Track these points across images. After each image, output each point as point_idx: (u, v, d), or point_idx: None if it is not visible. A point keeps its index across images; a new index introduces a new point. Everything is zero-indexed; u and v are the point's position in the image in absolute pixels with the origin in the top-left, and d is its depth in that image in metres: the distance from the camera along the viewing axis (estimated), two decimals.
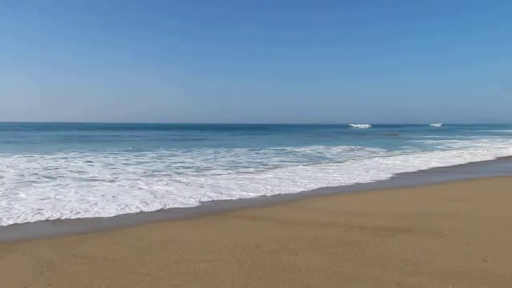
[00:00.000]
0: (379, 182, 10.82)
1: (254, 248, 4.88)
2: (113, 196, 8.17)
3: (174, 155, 18.57)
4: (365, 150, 22.79)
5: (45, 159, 15.62)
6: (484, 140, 35.28)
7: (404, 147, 26.51)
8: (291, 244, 5.02)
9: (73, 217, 6.68)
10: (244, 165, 14.72)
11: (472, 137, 43.67)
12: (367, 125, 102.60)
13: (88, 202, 7.64)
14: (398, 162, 16.20)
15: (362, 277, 3.90)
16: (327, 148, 24.17)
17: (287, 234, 5.50)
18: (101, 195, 8.25)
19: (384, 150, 23.22)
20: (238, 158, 17.59)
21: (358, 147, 25.34)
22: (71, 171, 12.34)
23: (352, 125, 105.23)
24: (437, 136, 45.85)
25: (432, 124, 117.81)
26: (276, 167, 14.15)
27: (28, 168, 12.58)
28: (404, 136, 46.83)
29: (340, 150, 22.41)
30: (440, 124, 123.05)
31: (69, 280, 3.88)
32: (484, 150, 22.14)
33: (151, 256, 4.63)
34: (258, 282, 3.80)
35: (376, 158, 17.91)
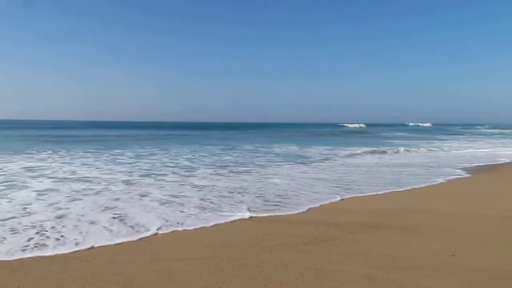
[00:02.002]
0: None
1: (230, 246, 4.89)
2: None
3: (154, 154, 18.31)
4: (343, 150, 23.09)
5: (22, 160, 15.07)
6: (452, 141, 35.87)
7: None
8: (267, 242, 5.05)
9: None
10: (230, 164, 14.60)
11: (443, 137, 44.75)
12: (362, 125, 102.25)
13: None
14: (370, 160, 16.51)
15: (336, 273, 3.96)
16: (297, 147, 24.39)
17: (262, 232, 5.53)
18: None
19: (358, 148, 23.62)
20: (219, 157, 17.47)
21: (341, 148, 25.67)
22: (58, 172, 11.99)
23: (345, 124, 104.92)
24: (409, 135, 46.96)
25: (422, 124, 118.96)
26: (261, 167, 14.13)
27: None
28: (382, 135, 47.69)
29: (315, 151, 22.59)
30: (429, 123, 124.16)
31: (40, 281, 3.79)
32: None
33: (124, 255, 4.57)
34: (234, 280, 3.81)
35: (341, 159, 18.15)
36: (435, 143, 31.20)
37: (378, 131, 62.99)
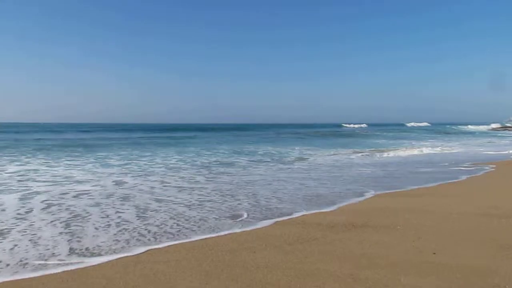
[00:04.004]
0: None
1: (213, 247, 4.88)
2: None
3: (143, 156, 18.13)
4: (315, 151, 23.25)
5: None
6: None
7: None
8: (250, 243, 5.06)
9: None
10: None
11: (426, 136, 45.45)
12: (364, 125, 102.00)
13: None
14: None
15: (318, 272, 3.99)
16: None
17: (246, 233, 5.54)
18: None
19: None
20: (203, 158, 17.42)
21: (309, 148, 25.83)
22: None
23: (345, 125, 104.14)
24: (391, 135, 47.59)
25: (417, 124, 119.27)
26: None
27: None
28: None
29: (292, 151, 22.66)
30: (426, 123, 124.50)
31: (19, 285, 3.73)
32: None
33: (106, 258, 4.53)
34: (217, 281, 3.81)
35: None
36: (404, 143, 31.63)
37: (368, 131, 63.24)
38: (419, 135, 49.73)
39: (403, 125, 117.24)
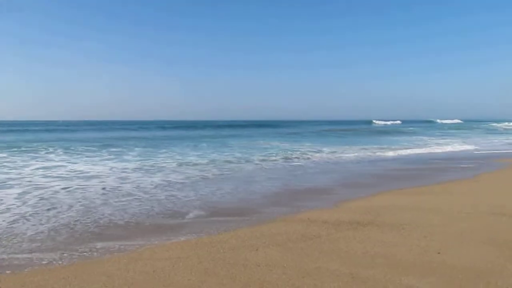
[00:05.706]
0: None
1: (216, 244, 4.89)
2: None
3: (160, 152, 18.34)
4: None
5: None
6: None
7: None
8: (253, 240, 5.05)
9: None
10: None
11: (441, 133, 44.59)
12: (397, 121, 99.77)
13: None
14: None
15: (319, 271, 3.96)
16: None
17: (250, 230, 5.53)
18: None
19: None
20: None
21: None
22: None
23: (377, 121, 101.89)
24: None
25: (445, 121, 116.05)
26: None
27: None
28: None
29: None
30: (458, 120, 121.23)
31: (22, 281, 3.82)
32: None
33: (108, 255, 4.59)
34: (215, 279, 3.81)
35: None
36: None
37: (398, 128, 62.26)
38: (440, 131, 48.78)
39: (434, 122, 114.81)
